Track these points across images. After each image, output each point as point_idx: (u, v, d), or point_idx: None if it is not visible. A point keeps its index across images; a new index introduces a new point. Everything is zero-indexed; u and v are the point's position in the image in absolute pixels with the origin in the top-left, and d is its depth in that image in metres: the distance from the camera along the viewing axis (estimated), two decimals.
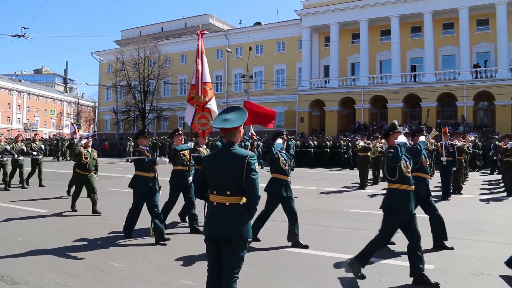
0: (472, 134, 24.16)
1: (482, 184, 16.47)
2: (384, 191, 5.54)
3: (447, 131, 12.99)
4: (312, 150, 27.61)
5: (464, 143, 14.61)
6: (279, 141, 7.10)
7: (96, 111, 59.86)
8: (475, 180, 17.87)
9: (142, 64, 45.86)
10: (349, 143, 25.56)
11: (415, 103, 36.21)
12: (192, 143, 7.75)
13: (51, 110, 72.79)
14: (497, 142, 17.20)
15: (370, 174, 16.44)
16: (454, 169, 12.49)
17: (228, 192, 3.47)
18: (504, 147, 13.49)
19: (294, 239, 6.67)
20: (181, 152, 7.89)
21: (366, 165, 15.50)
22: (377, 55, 38.60)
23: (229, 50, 39.11)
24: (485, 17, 34.68)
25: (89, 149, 10.14)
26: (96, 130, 53.79)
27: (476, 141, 22.20)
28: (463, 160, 14.41)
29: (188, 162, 7.82)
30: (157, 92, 47.92)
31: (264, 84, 43.00)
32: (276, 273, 5.46)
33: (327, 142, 27.67)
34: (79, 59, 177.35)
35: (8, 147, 14.18)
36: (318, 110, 40.21)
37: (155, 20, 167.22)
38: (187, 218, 8.14)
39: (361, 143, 15.60)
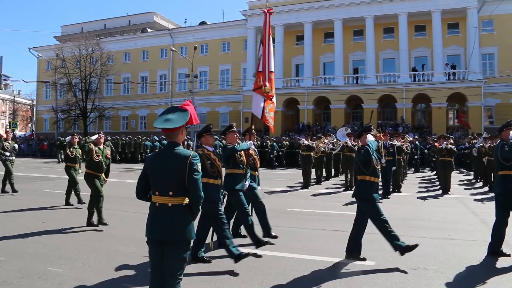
0: (410, 134, 25.18)
1: (419, 183, 17.13)
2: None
3: (385, 136, 13.38)
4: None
5: (403, 143, 15.16)
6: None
7: (34, 109, 57.45)
8: (413, 179, 18.57)
9: (83, 62, 44.46)
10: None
11: (357, 104, 37.25)
12: (251, 142, 6.91)
13: None
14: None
15: (313, 174, 16.68)
16: (393, 168, 12.93)
17: (171, 193, 3.42)
18: (439, 147, 14.11)
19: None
20: (239, 153, 6.64)
21: (309, 165, 15.70)
22: (320, 57, 39.38)
23: (173, 49, 38.66)
24: (422, 23, 36.25)
25: (101, 147, 8.81)
26: (33, 129, 51.63)
27: (417, 142, 23.01)
28: (401, 159, 14.95)
29: (245, 165, 6.73)
30: (99, 90, 46.60)
31: (209, 84, 42.82)
32: (220, 274, 5.44)
33: (268, 142, 27.87)
34: (15, 54, 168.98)
35: None
36: None
37: (98, 16, 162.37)
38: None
39: (306, 142, 15.81)
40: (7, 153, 13.22)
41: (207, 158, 5.72)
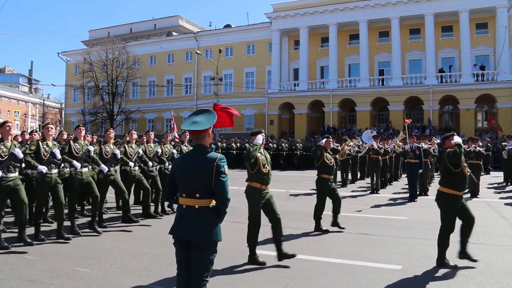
0: (438, 137, 24.76)
1: None
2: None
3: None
4: (284, 153, 27.62)
5: (430, 145, 14.93)
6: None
7: (63, 112, 58.59)
8: None
9: (110, 65, 45.14)
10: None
11: (383, 107, 36.86)
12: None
13: (15, 112, 70.72)
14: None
15: (338, 177, 16.57)
16: (420, 171, 12.75)
17: (198, 195, 3.44)
18: (468, 149, 13.85)
19: None
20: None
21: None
22: (345, 59, 39.11)
23: (198, 52, 38.92)
24: (449, 24, 35.66)
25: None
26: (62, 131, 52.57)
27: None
28: (429, 162, 14.73)
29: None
30: (125, 93, 47.25)
31: (234, 86, 42.97)
32: (245, 276, 5.45)
33: (297, 145, 27.78)
34: (45, 59, 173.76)
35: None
36: (287, 113, 40.41)
37: (124, 20, 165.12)
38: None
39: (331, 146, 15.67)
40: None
41: None
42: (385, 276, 5.42)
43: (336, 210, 8.24)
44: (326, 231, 8.02)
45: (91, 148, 8.07)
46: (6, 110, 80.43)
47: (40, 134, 8.75)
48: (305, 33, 38.76)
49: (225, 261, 5.90)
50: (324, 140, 8.53)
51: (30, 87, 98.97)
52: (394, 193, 14.14)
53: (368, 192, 14.46)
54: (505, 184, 16.93)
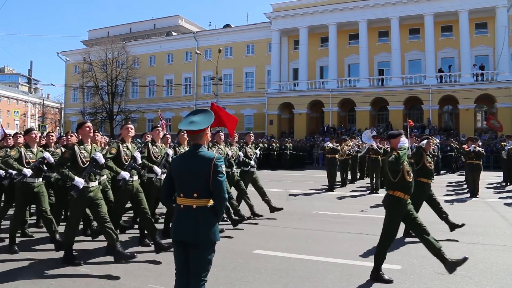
0: (437, 137, 24.80)
1: (447, 186, 16.85)
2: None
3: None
4: (275, 152, 27.72)
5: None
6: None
7: (62, 112, 58.56)
8: (440, 182, 18.27)
9: (110, 65, 45.08)
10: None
11: (383, 106, 36.87)
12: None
13: (15, 111, 70.70)
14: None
15: (338, 176, 16.59)
16: None
17: (195, 195, 3.44)
18: (467, 149, 13.86)
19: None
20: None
21: (334, 167, 15.62)
22: (345, 59, 39.10)
23: (198, 52, 38.91)
24: (449, 23, 35.66)
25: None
26: (62, 132, 52.62)
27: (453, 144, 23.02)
28: None
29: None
30: (125, 93, 47.23)
31: (233, 86, 42.95)
32: (245, 275, 5.45)
33: (287, 145, 27.88)
34: (44, 58, 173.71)
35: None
36: (287, 113, 40.40)
37: (124, 20, 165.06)
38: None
39: (330, 145, 15.71)
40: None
41: None
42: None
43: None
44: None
45: (170, 152, 7.34)
46: (6, 110, 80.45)
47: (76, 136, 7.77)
48: (305, 33, 38.77)
49: (225, 261, 5.90)
50: (425, 141, 8.05)
51: (30, 87, 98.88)
52: None
53: (368, 192, 14.46)
54: (504, 184, 16.94)
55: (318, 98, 37.56)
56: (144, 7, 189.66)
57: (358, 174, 18.94)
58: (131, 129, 6.57)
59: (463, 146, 15.14)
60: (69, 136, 8.52)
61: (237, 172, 9.14)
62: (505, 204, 11.93)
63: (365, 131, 18.03)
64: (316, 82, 38.83)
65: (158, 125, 7.99)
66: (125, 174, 6.28)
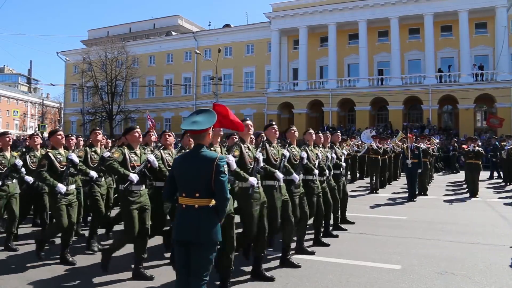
0: (436, 137, 24.81)
1: (447, 186, 16.85)
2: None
3: (411, 138, 13.29)
4: None
5: (429, 145, 14.95)
6: None
7: (62, 112, 58.52)
8: (439, 182, 18.28)
9: (109, 65, 45.02)
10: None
11: (382, 106, 36.87)
12: None
13: (14, 111, 70.64)
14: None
15: None
16: (419, 171, 12.76)
17: (197, 195, 3.45)
18: (467, 149, 13.88)
19: None
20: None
21: None
22: (345, 59, 39.08)
23: (198, 51, 38.88)
24: (448, 23, 35.63)
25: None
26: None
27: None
28: (428, 162, 14.74)
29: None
30: (124, 93, 47.16)
31: (233, 86, 42.95)
32: (245, 275, 5.45)
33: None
34: (44, 58, 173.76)
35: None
36: (287, 113, 40.38)
37: (123, 20, 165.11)
38: None
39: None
40: None
41: None
42: (384, 275, 5.42)
43: None
44: None
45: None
46: (5, 110, 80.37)
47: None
48: (304, 33, 38.77)
49: None
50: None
51: (29, 86, 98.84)
52: (393, 193, 14.14)
53: (368, 191, 14.45)
54: (504, 184, 16.96)
55: (318, 98, 37.56)
56: (143, 7, 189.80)
57: (358, 174, 18.94)
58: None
59: (463, 146, 15.15)
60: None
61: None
62: (504, 204, 11.94)
63: (365, 130, 18.04)
64: (315, 82, 38.82)
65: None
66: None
